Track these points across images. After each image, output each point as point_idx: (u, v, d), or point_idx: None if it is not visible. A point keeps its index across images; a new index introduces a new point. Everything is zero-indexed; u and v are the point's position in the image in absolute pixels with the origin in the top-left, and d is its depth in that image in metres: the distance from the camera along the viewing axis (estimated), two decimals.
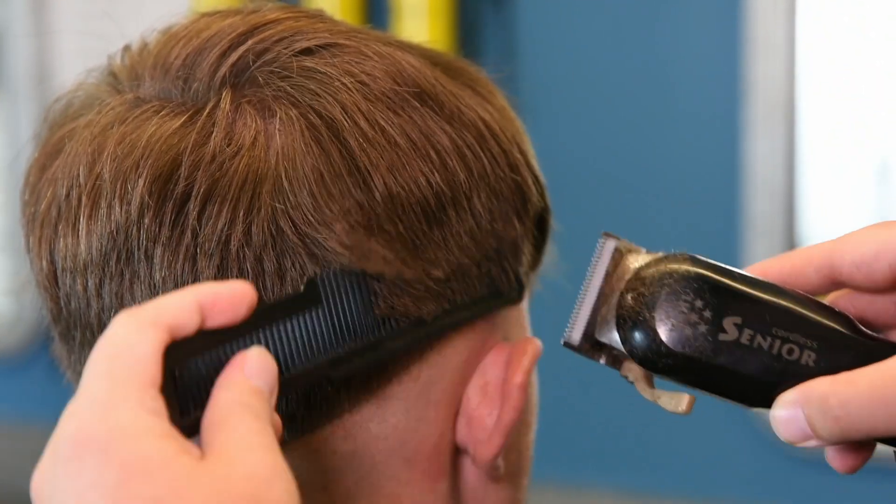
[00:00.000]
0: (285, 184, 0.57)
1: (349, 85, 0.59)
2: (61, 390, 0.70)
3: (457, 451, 0.62)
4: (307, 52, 0.60)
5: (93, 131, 0.60)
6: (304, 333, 0.56)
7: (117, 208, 0.58)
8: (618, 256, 0.58)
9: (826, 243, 0.57)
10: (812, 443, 0.54)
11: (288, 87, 0.59)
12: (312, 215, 0.57)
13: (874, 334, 0.57)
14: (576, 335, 0.57)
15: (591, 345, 0.57)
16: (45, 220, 0.61)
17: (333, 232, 0.57)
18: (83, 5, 2.40)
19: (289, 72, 0.59)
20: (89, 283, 0.59)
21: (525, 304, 0.66)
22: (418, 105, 0.60)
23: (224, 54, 0.60)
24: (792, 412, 0.53)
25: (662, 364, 0.56)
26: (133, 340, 0.49)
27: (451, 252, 0.60)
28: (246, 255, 0.57)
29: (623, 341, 0.56)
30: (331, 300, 0.57)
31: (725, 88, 2.02)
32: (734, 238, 2.03)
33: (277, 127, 0.58)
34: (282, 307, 0.56)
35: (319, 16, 0.64)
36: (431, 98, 0.60)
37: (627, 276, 0.57)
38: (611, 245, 0.58)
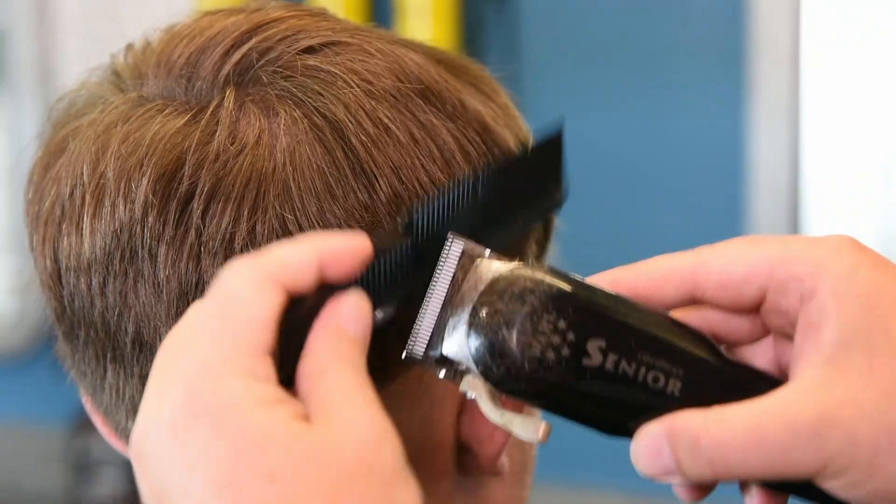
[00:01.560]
0: (290, 184, 0.57)
1: (352, 83, 0.59)
2: (65, 390, 0.70)
3: (460, 449, 0.62)
4: (310, 50, 0.60)
5: (96, 130, 0.60)
6: (391, 274, 0.53)
7: (121, 207, 0.58)
8: (466, 262, 0.53)
9: (686, 257, 0.53)
10: (674, 479, 0.51)
11: (291, 87, 0.59)
12: (317, 217, 0.57)
13: (735, 359, 0.54)
14: (419, 349, 0.53)
15: (436, 359, 0.53)
16: (48, 218, 0.61)
17: None
18: (86, 5, 2.41)
19: (292, 71, 0.59)
20: (93, 282, 0.59)
21: None
22: (422, 102, 0.60)
23: (227, 53, 0.60)
24: (655, 445, 0.50)
25: (520, 388, 0.51)
26: (251, 301, 0.49)
27: None
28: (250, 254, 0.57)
29: (475, 360, 0.52)
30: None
31: (729, 88, 2.02)
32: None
33: (281, 126, 0.58)
34: (381, 253, 0.53)
35: (322, 14, 0.64)
36: (435, 95, 0.60)
37: (481, 287, 0.52)
38: (457, 248, 0.53)
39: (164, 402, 0.48)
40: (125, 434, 0.63)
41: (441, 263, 0.53)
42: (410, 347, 0.53)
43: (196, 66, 0.60)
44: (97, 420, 0.65)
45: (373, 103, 0.59)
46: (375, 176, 0.58)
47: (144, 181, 0.57)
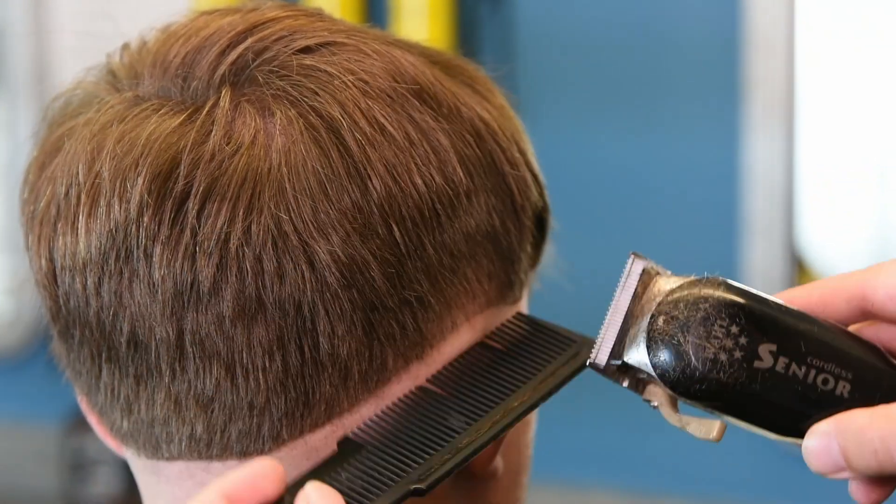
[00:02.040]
0: (286, 184, 0.57)
1: (348, 83, 0.59)
2: (60, 389, 0.70)
3: None
4: (306, 50, 0.60)
5: (92, 129, 0.60)
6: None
7: (116, 206, 0.58)
8: (646, 278, 0.56)
9: (857, 273, 0.56)
10: (844, 474, 0.53)
11: (287, 86, 0.59)
12: (311, 219, 0.57)
13: None
14: (602, 356, 0.56)
15: (617, 367, 0.56)
16: (44, 218, 0.61)
17: (329, 243, 0.57)
18: (82, 4, 2.40)
19: (288, 70, 0.59)
20: (88, 282, 0.59)
21: (524, 303, 0.66)
22: (417, 103, 0.60)
23: (223, 53, 0.60)
24: (825, 443, 0.52)
25: (695, 390, 0.54)
26: None
27: (448, 252, 0.60)
28: (245, 254, 0.57)
29: (654, 365, 0.55)
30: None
31: (725, 89, 2.02)
32: (733, 239, 2.03)
33: (277, 126, 0.58)
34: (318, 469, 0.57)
35: (318, 14, 0.64)
36: (430, 96, 0.60)
37: (659, 299, 0.56)
38: (639, 266, 0.56)
39: None
40: (120, 434, 0.63)
41: (623, 279, 0.56)
42: (594, 357, 0.56)
43: (192, 65, 0.60)
44: (92, 420, 0.65)
45: (369, 103, 0.59)
46: (369, 176, 0.58)
47: (140, 181, 0.57)
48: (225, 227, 0.57)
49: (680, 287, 0.56)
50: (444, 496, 0.62)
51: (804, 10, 1.98)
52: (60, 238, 0.60)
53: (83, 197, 0.59)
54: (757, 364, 0.54)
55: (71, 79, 0.66)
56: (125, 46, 0.65)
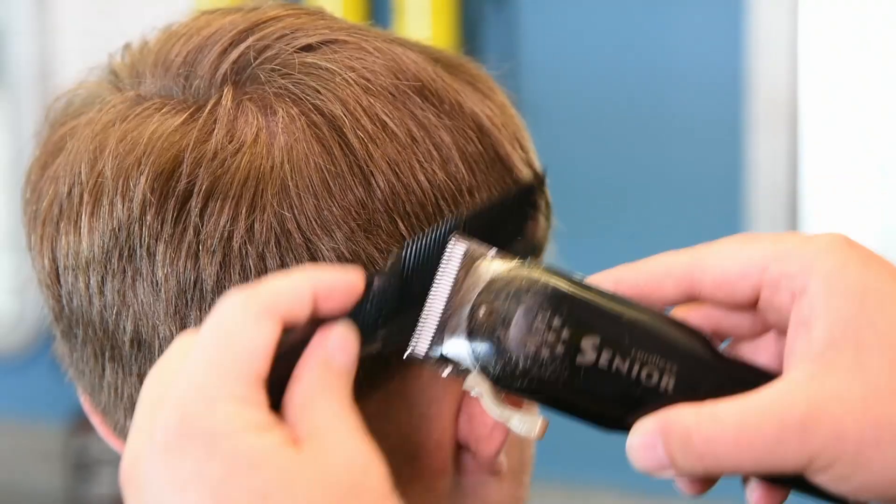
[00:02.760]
0: (288, 182, 0.57)
1: (350, 80, 0.59)
2: (63, 389, 0.70)
3: (459, 448, 0.62)
4: (308, 48, 0.60)
5: (94, 129, 0.60)
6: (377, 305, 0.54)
7: (119, 206, 0.58)
8: (468, 262, 0.54)
9: (684, 254, 0.54)
10: (669, 473, 0.52)
11: (289, 85, 0.59)
12: (314, 215, 0.57)
13: (731, 356, 0.55)
14: (421, 347, 0.54)
15: (437, 358, 0.54)
16: (46, 218, 0.61)
17: (333, 240, 0.57)
18: (85, 4, 2.41)
19: (290, 69, 0.59)
20: (91, 281, 0.59)
21: None
22: (419, 100, 0.60)
23: (225, 52, 0.60)
24: (649, 441, 0.51)
25: (517, 385, 0.53)
26: (247, 332, 0.49)
27: None
28: (248, 252, 0.57)
29: (475, 358, 0.53)
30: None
31: (728, 88, 2.02)
32: None
33: (279, 125, 0.58)
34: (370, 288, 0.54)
35: (319, 13, 0.64)
36: (432, 93, 0.60)
37: (479, 287, 0.54)
38: (460, 248, 0.54)
39: (157, 424, 0.48)
40: (123, 433, 0.63)
41: (444, 264, 0.54)
42: (413, 347, 0.54)
43: (193, 64, 0.61)
44: (95, 419, 0.65)
45: (370, 100, 0.59)
46: (372, 173, 0.58)
47: (142, 180, 0.57)
48: (228, 225, 0.57)
49: (501, 275, 0.54)
50: (448, 494, 0.62)
51: (807, 8, 1.98)
52: (63, 237, 0.60)
53: (86, 196, 0.59)
54: (579, 360, 0.52)
55: (73, 79, 0.66)
56: (127, 46, 0.65)
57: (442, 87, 0.61)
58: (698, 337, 0.55)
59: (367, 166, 0.58)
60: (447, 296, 0.54)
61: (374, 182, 0.58)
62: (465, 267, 0.54)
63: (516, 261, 0.54)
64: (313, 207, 0.57)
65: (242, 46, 0.60)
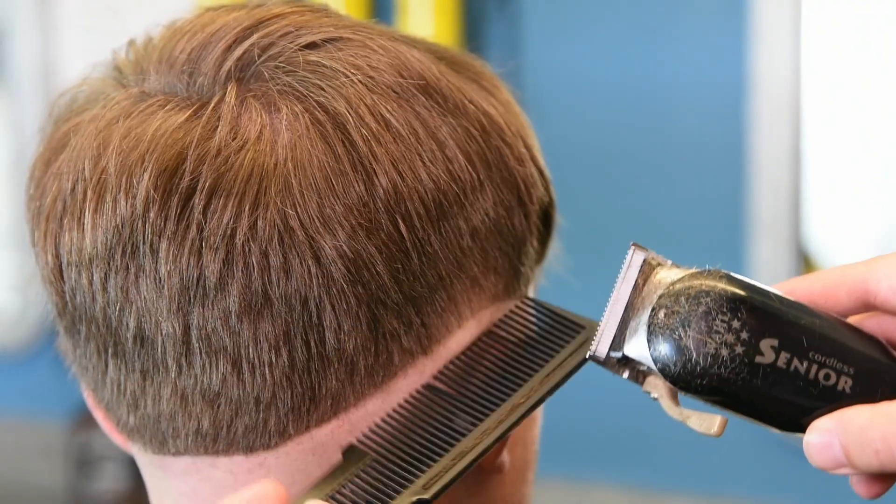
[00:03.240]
0: (291, 180, 0.57)
1: (354, 78, 0.59)
2: (66, 385, 0.70)
3: None
4: (312, 46, 0.60)
5: (98, 125, 0.60)
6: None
7: (123, 202, 0.58)
8: (647, 269, 0.56)
9: (859, 265, 0.55)
10: (845, 470, 0.53)
11: (293, 82, 0.59)
12: (317, 214, 0.57)
13: None
14: (602, 348, 0.56)
15: (618, 359, 0.56)
16: (50, 214, 0.61)
17: (336, 238, 0.57)
18: (88, 1, 2.41)
19: (294, 66, 0.59)
20: (94, 277, 0.59)
21: None
22: (423, 98, 0.60)
23: (229, 48, 0.60)
24: (827, 439, 0.52)
25: (696, 384, 0.54)
26: None
27: (454, 246, 0.60)
28: (251, 249, 0.57)
29: (654, 359, 0.54)
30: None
31: (731, 86, 2.02)
32: (739, 236, 2.03)
33: (283, 122, 0.58)
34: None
35: (324, 10, 0.64)
36: (436, 91, 0.60)
37: (660, 291, 0.55)
38: (639, 257, 0.56)
39: None
40: (126, 429, 0.63)
41: (624, 270, 0.56)
42: (594, 349, 0.56)
43: (197, 61, 0.61)
44: (98, 415, 0.65)
45: (374, 98, 0.59)
46: (375, 171, 0.58)
47: (146, 176, 0.57)
48: (231, 222, 0.57)
49: (681, 279, 0.55)
50: (450, 493, 0.62)
51: (811, 6, 1.97)
52: (66, 234, 0.60)
53: (89, 192, 0.59)
54: (758, 359, 0.54)
55: (77, 76, 0.66)
56: (131, 43, 0.65)
57: (446, 85, 0.61)
58: (874, 342, 0.56)
59: (370, 164, 0.58)
60: (627, 300, 0.55)
61: (376, 180, 0.58)
62: (643, 273, 0.56)
63: (694, 268, 0.56)
64: (316, 205, 0.57)
65: (247, 44, 0.60)
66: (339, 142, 0.58)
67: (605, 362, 0.56)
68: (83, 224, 0.59)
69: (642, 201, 2.10)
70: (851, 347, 0.55)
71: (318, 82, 0.59)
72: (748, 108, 2.00)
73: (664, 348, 0.54)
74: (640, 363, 0.55)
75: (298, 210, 0.57)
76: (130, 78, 0.63)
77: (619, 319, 0.56)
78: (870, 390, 0.54)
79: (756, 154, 2.01)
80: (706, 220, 2.06)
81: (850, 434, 0.52)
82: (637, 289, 0.56)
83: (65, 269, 0.60)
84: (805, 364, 0.54)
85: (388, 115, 0.59)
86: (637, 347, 0.55)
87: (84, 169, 0.59)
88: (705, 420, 0.55)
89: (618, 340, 0.56)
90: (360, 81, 0.59)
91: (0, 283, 2.69)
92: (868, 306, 0.55)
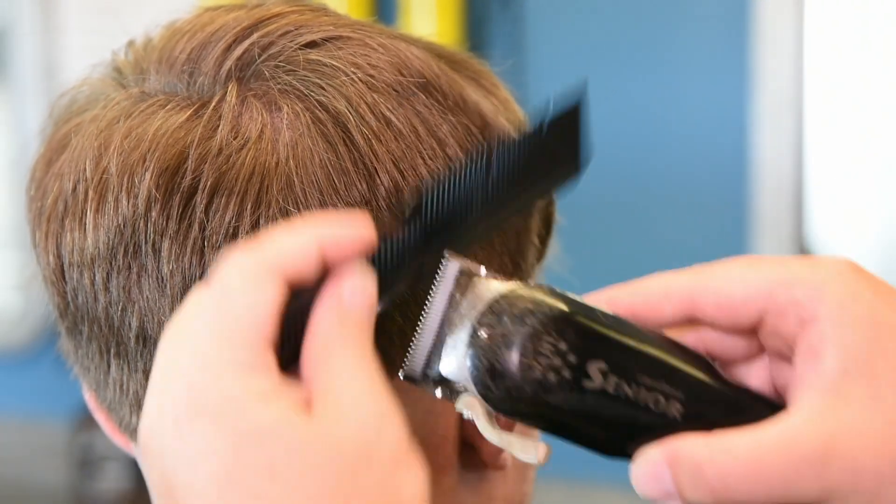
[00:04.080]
0: (293, 178, 0.57)
1: (354, 77, 0.59)
2: (68, 386, 0.70)
3: (463, 444, 0.62)
4: (312, 44, 0.60)
5: (99, 126, 0.60)
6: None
7: (124, 202, 0.58)
8: (464, 280, 0.52)
9: (684, 275, 0.53)
10: (675, 502, 0.50)
11: (293, 81, 0.59)
12: (319, 211, 0.57)
13: (734, 381, 0.54)
14: (417, 367, 0.52)
15: (434, 379, 0.52)
16: (51, 214, 0.61)
17: None
18: (89, 2, 2.41)
19: (294, 65, 0.60)
20: (96, 277, 0.59)
21: None
22: (423, 96, 0.60)
23: (229, 48, 0.60)
24: (656, 470, 0.50)
25: (519, 409, 0.51)
26: (250, 294, 0.48)
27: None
28: None
29: (475, 381, 0.51)
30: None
31: (733, 85, 2.02)
32: (742, 235, 2.03)
33: (284, 121, 0.58)
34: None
35: (324, 9, 0.64)
36: (436, 89, 0.60)
37: (480, 308, 0.51)
38: (454, 267, 0.52)
39: (167, 397, 0.48)
40: (129, 430, 0.63)
41: (438, 282, 0.52)
42: (407, 366, 0.53)
43: (198, 61, 0.61)
44: (100, 417, 0.65)
45: (374, 96, 0.59)
46: (376, 169, 0.58)
47: (147, 176, 0.57)
48: (233, 221, 0.57)
49: (504, 296, 0.52)
50: (452, 489, 0.63)
51: (812, 5, 1.98)
52: (68, 234, 0.60)
53: (91, 193, 0.59)
54: (586, 384, 0.51)
55: (77, 76, 0.66)
56: (131, 43, 0.65)
57: (446, 84, 0.61)
58: (703, 362, 0.53)
59: (372, 163, 0.58)
60: (442, 314, 0.52)
61: (378, 178, 0.58)
62: (460, 286, 0.52)
63: (515, 281, 0.53)
64: (318, 203, 0.57)
65: (247, 43, 0.60)
66: (339, 140, 0.58)
67: (421, 381, 0.53)
68: (85, 224, 0.59)
69: (644, 200, 2.10)
70: (681, 370, 0.52)
71: (319, 81, 0.59)
72: (751, 108, 2.00)
73: (486, 371, 0.51)
74: (456, 383, 0.52)
75: (300, 208, 0.57)
76: (130, 78, 0.63)
77: (433, 335, 0.52)
78: (699, 416, 0.51)
79: (758, 153, 2.01)
80: (708, 219, 2.06)
81: (683, 469, 0.49)
82: (454, 303, 0.52)
83: (66, 269, 0.60)
84: (634, 388, 0.51)
85: (388, 114, 0.59)
86: (454, 367, 0.52)
87: (85, 169, 0.59)
88: (528, 448, 0.52)
89: (433, 358, 0.52)
90: (361, 80, 0.59)
91: (1, 284, 2.70)
92: (691, 319, 0.53)
